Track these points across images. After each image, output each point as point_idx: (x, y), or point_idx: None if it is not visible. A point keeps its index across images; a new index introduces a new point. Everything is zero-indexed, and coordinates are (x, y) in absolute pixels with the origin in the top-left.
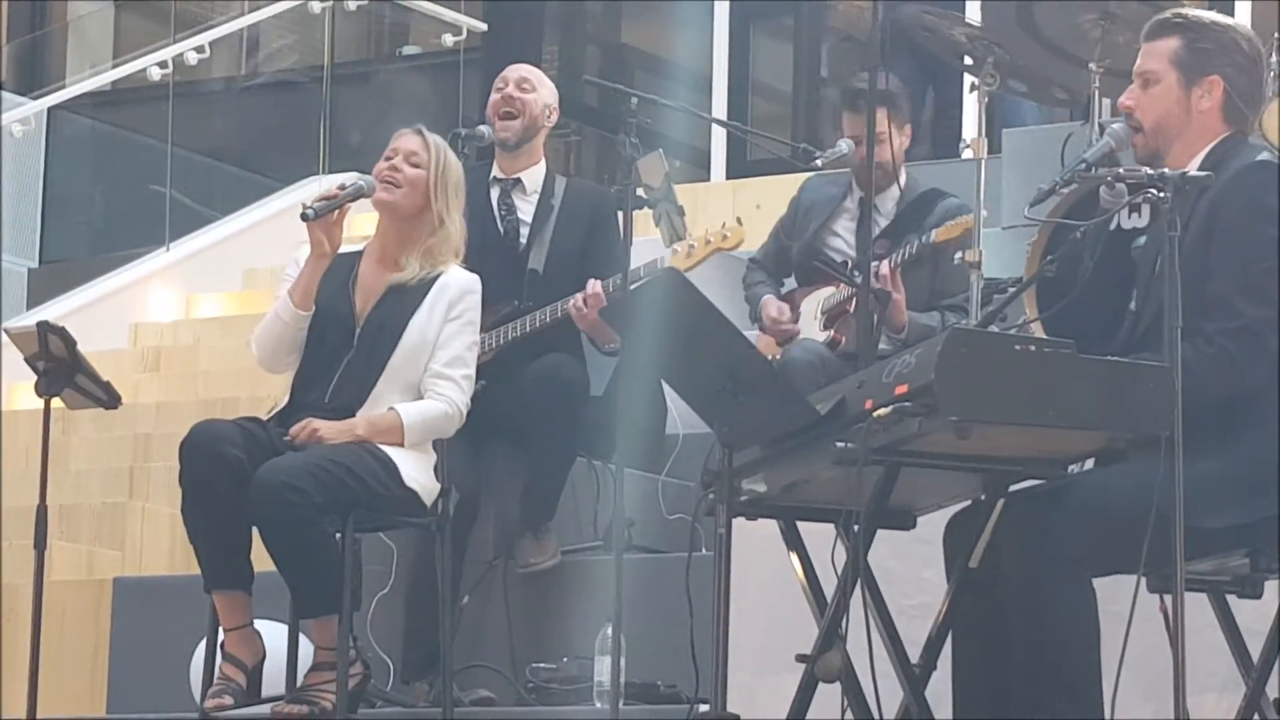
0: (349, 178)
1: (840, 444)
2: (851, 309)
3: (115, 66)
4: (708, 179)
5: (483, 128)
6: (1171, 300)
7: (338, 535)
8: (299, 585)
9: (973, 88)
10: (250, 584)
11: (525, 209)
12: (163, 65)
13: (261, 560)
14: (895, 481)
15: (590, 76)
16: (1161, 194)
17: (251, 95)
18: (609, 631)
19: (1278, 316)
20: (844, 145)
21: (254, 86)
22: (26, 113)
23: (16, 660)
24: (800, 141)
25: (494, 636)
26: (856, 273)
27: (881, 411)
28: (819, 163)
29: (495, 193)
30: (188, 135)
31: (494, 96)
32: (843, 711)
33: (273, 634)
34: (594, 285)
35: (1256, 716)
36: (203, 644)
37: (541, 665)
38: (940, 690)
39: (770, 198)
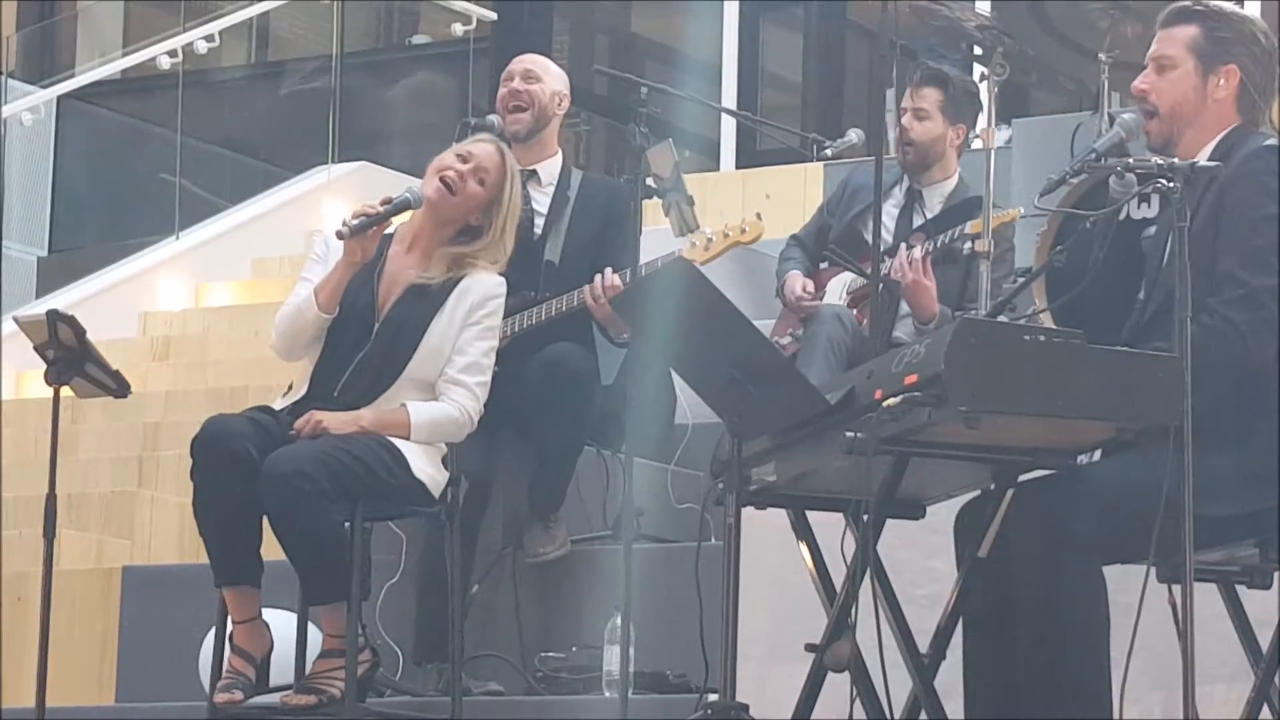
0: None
1: (850, 434)
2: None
3: (125, 55)
4: (718, 169)
5: (492, 117)
6: (1182, 291)
7: (347, 524)
8: (308, 573)
9: (982, 77)
10: (259, 578)
11: (541, 200)
12: (172, 54)
13: (271, 548)
14: (904, 471)
15: (600, 66)
16: (1171, 184)
17: (261, 84)
18: (618, 621)
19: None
20: (853, 135)
21: (263, 75)
22: (36, 101)
23: (26, 649)
24: (810, 132)
25: (503, 626)
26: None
27: (891, 401)
28: (829, 152)
29: None
30: (197, 124)
31: (501, 90)
32: (852, 701)
33: (282, 622)
34: (611, 276)
35: (1266, 707)
36: (211, 633)
37: (550, 654)
38: (950, 680)
39: (780, 188)
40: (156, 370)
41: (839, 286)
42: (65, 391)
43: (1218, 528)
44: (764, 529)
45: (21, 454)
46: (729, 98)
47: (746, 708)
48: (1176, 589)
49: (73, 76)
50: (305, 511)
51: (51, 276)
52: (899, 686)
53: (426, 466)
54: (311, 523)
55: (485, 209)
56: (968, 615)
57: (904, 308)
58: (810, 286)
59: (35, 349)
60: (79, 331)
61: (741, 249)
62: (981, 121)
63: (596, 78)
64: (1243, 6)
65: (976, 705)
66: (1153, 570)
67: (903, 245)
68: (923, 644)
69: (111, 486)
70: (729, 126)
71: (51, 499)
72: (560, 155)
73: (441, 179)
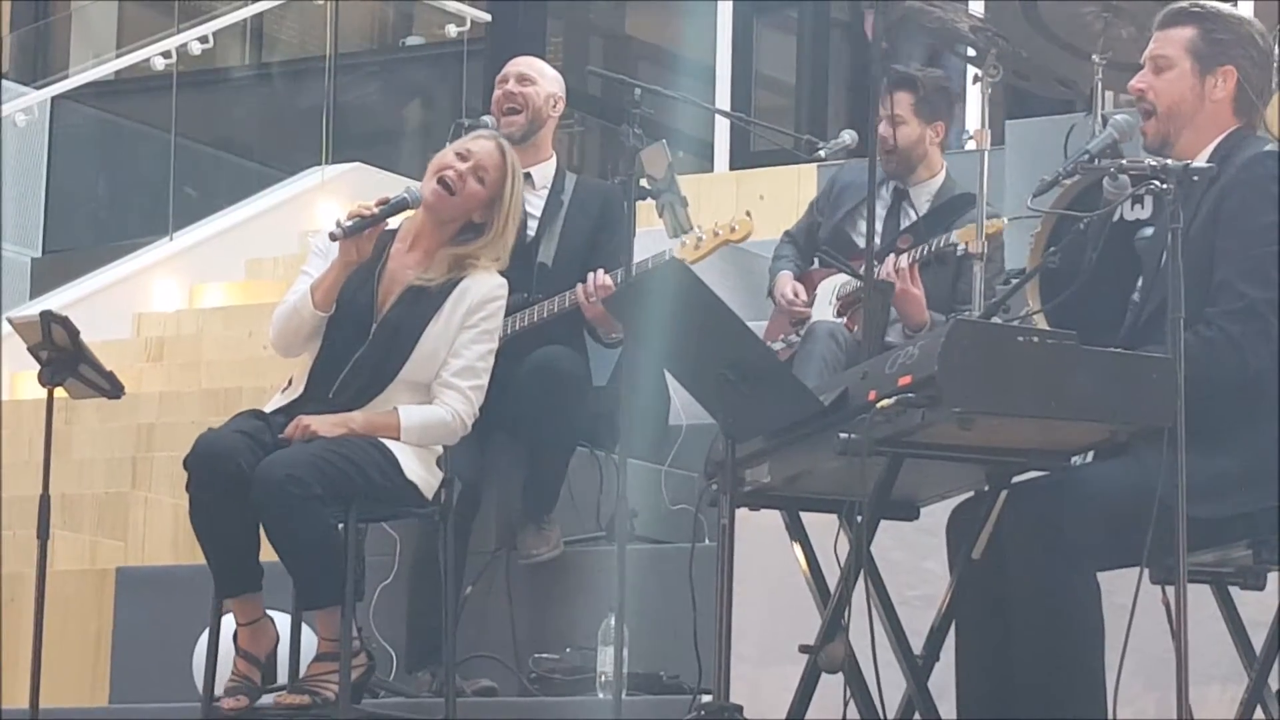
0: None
1: (844, 435)
2: (863, 300)
3: (119, 56)
4: (711, 170)
5: (486, 117)
6: (1175, 292)
7: (340, 526)
8: (302, 576)
9: (975, 79)
10: (260, 583)
11: (535, 203)
12: (166, 55)
13: (266, 550)
14: (898, 472)
15: (594, 67)
16: (1165, 185)
17: (255, 85)
18: (612, 622)
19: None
20: (846, 136)
21: (257, 76)
22: (30, 102)
23: (19, 650)
24: (803, 133)
25: (496, 627)
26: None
27: (885, 403)
28: (822, 154)
29: None
30: (191, 125)
31: (496, 92)
32: (845, 702)
33: (278, 623)
34: (602, 276)
35: (1259, 709)
36: (205, 634)
37: (544, 655)
38: (943, 681)
39: (774, 188)
40: (150, 371)
41: (830, 288)
42: (59, 393)
43: (1211, 529)
44: (758, 530)
45: (15, 455)
46: (723, 99)
47: (740, 709)
48: (1170, 590)
49: (66, 77)
50: (298, 515)
51: (45, 277)
52: (893, 688)
53: (419, 468)
54: (305, 527)
55: (487, 206)
56: (961, 616)
57: (894, 313)
58: (801, 291)
59: (29, 350)
60: (73, 333)
61: (734, 248)
62: (974, 123)
63: (590, 79)
64: (1236, 6)
65: (969, 706)
66: (1146, 572)
67: (891, 255)
68: (916, 645)
69: (105, 488)
70: (723, 128)
71: (45, 500)
72: (554, 158)
73: (440, 179)
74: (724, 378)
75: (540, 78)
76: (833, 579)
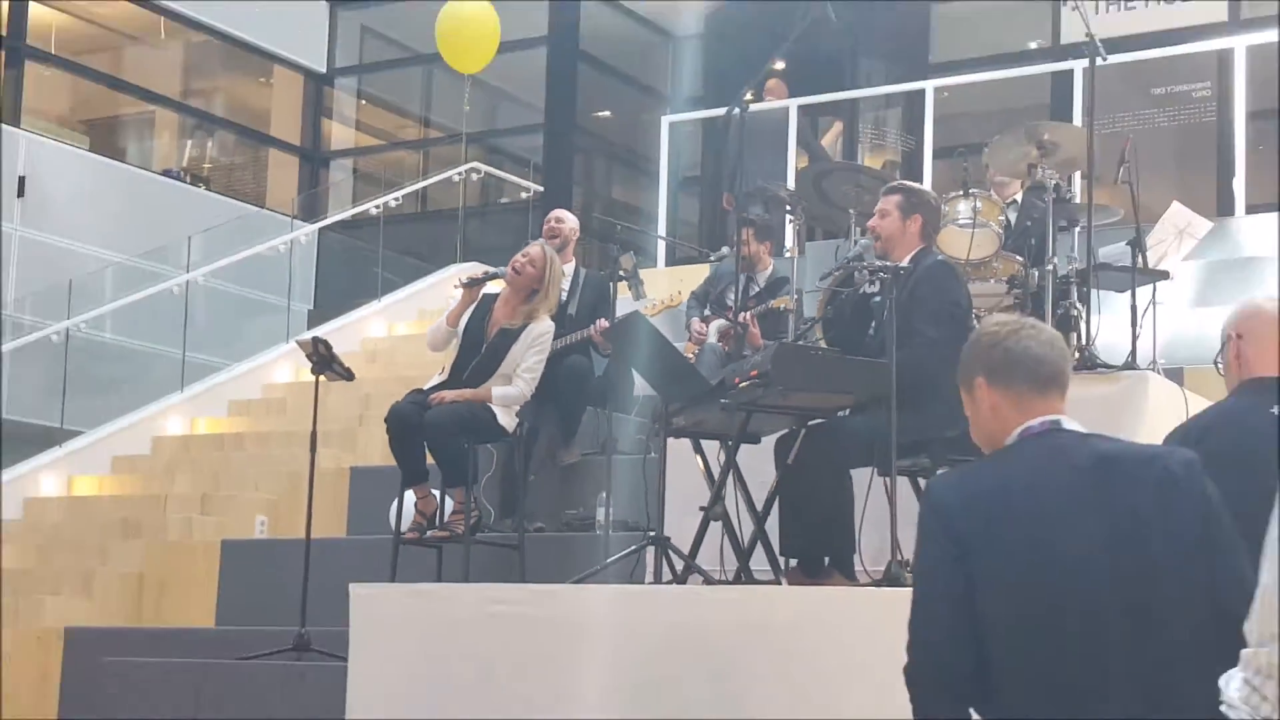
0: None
1: (724, 400)
2: (731, 333)
3: (354, 208)
4: (656, 266)
5: (538, 240)
6: (889, 329)
7: (466, 446)
8: (447, 470)
9: (791, 221)
10: (427, 474)
11: (565, 283)
12: (378, 207)
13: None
14: (750, 419)
15: (596, 214)
16: (886, 276)
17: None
18: (604, 496)
19: (943, 333)
20: (725, 249)
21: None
22: (311, 230)
23: None
24: (704, 245)
25: (546, 498)
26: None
27: (743, 384)
28: (711, 257)
29: None
30: (391, 244)
31: (545, 226)
32: (722, 536)
33: (435, 496)
34: (602, 322)
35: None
36: (395, 502)
37: (570, 511)
38: (770, 526)
39: (690, 276)
40: (366, 367)
41: (715, 327)
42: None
43: (907, 449)
44: (678, 449)
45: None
46: (663, 227)
47: (669, 539)
48: (887, 480)
49: (326, 217)
50: (446, 440)
51: (315, 319)
52: (745, 529)
53: (505, 416)
54: (446, 446)
55: (540, 279)
56: (782, 492)
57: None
58: (702, 328)
59: (306, 356)
60: (328, 346)
61: (671, 309)
62: (789, 242)
63: (594, 220)
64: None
65: (785, 540)
66: (875, 470)
67: (745, 311)
68: (760, 505)
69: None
70: (662, 245)
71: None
72: (575, 261)
73: (513, 267)
74: (662, 373)
75: (567, 218)
76: (717, 473)
